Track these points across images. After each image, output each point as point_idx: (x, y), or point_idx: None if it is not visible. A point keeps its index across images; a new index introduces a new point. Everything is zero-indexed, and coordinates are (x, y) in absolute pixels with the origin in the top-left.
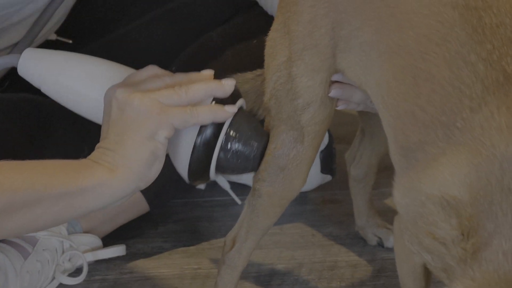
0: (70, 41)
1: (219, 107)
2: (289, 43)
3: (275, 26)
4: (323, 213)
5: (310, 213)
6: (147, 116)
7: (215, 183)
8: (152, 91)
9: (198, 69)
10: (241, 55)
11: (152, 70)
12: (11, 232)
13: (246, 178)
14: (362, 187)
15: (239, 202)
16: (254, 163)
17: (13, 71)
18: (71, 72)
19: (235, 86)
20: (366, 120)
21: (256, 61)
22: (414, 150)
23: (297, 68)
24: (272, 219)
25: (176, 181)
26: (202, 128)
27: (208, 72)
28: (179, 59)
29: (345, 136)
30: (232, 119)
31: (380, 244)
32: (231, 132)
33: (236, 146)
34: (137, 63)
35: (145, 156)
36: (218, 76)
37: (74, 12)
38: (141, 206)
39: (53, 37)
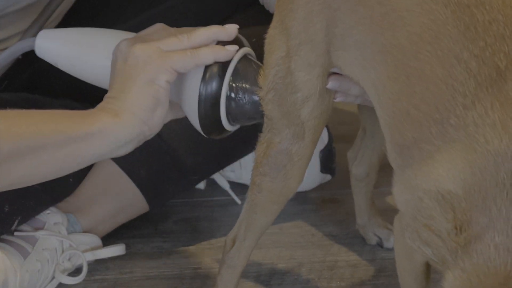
0: None
1: (220, 47)
2: (286, 38)
3: (273, 23)
4: (323, 212)
5: (309, 212)
6: (147, 62)
7: (214, 183)
8: (154, 40)
9: None
10: None
11: (159, 25)
12: (16, 180)
13: (246, 178)
14: (363, 186)
15: (239, 202)
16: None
17: (10, 71)
18: (85, 45)
19: (241, 37)
20: (367, 119)
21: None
22: (410, 148)
23: (295, 63)
24: (270, 216)
25: (175, 181)
26: (205, 71)
27: (232, 27)
28: None
29: (345, 135)
30: (237, 64)
31: (380, 245)
32: (236, 77)
33: (242, 90)
34: None
35: (147, 101)
36: None
37: (73, 9)
38: (141, 205)
39: None
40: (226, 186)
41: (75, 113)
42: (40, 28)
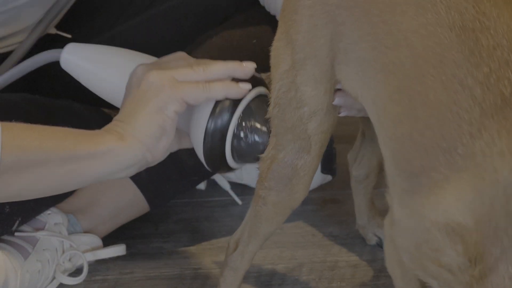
0: (70, 36)
1: (233, 83)
2: (291, 51)
3: (278, 35)
4: (324, 213)
5: (310, 213)
6: (159, 89)
7: (215, 184)
8: (171, 68)
9: None
10: (239, 55)
11: (179, 54)
12: (15, 192)
13: (247, 179)
14: (363, 188)
15: (239, 202)
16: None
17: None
18: (110, 65)
19: (259, 75)
20: (367, 123)
21: (256, 60)
22: (418, 175)
23: (301, 77)
24: (274, 226)
25: (176, 181)
26: (215, 105)
27: (249, 65)
28: None
29: (345, 135)
30: (248, 103)
31: (379, 245)
32: (246, 115)
33: (251, 130)
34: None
35: (153, 129)
36: None
37: (74, 7)
38: (142, 206)
39: (53, 31)
40: (226, 186)
41: (80, 132)
42: (49, 24)
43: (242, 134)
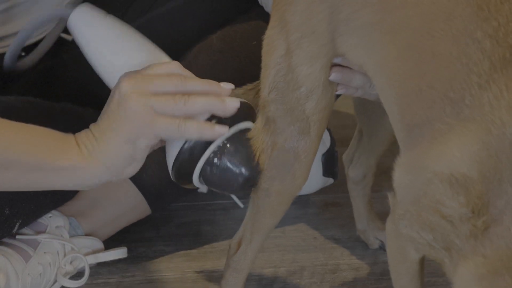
0: (71, 38)
1: (208, 126)
2: (286, 35)
3: (271, 24)
4: (325, 216)
5: (312, 216)
6: (134, 121)
7: None
8: (151, 96)
9: (198, 71)
10: (240, 57)
11: (172, 68)
12: None
13: None
14: (361, 189)
15: (241, 205)
16: (236, 188)
17: (12, 75)
18: (111, 42)
19: (246, 105)
20: (365, 119)
21: (257, 62)
22: (421, 127)
23: (297, 58)
24: (278, 217)
25: (178, 184)
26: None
27: (227, 87)
28: (180, 60)
29: (347, 138)
30: (224, 141)
31: (382, 248)
32: (218, 152)
33: (219, 170)
34: None
35: (122, 157)
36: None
37: None
38: (143, 209)
39: None
40: None
41: (52, 138)
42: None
43: (210, 168)
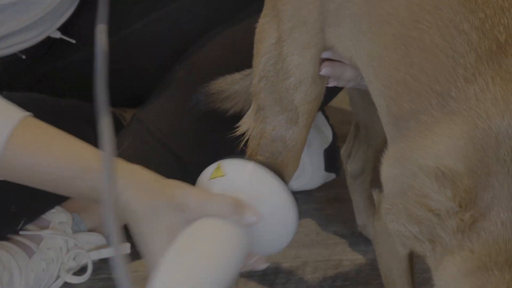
0: (74, 41)
1: None
2: (278, 24)
3: (264, 12)
4: (328, 212)
5: (314, 212)
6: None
7: None
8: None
9: (202, 69)
10: (242, 53)
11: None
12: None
13: None
14: (360, 184)
15: None
16: None
17: (16, 71)
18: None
19: None
20: (361, 112)
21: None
22: (407, 119)
23: (288, 47)
24: None
25: (180, 180)
26: None
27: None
28: (183, 58)
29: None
30: None
31: None
32: None
33: None
34: (141, 62)
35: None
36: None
37: (78, 12)
38: None
39: (57, 35)
40: None
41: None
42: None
43: None
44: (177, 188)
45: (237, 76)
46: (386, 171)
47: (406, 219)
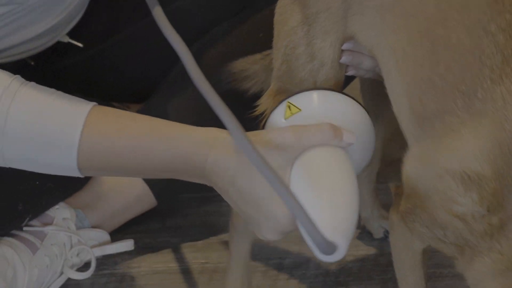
0: (81, 45)
1: None
2: (301, 8)
3: None
4: None
5: None
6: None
7: None
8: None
9: (206, 68)
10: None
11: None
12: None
13: None
14: (366, 176)
15: None
16: None
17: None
18: None
19: None
20: (370, 102)
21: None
22: (432, 119)
23: (313, 31)
24: None
25: None
26: None
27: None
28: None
29: None
30: None
31: (387, 236)
32: None
33: None
34: (144, 61)
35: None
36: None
37: (86, 16)
38: (149, 201)
39: (66, 39)
40: None
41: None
42: None
43: None
44: (266, 133)
45: (257, 56)
46: (409, 171)
47: (430, 222)
